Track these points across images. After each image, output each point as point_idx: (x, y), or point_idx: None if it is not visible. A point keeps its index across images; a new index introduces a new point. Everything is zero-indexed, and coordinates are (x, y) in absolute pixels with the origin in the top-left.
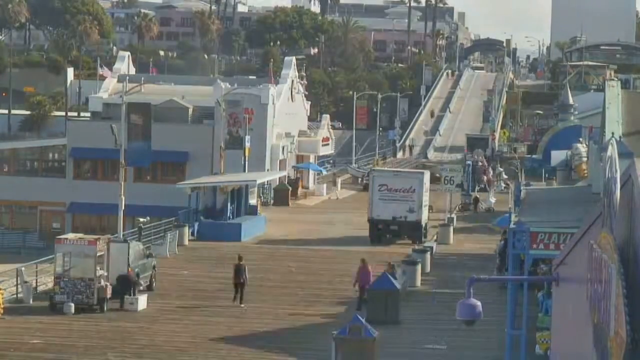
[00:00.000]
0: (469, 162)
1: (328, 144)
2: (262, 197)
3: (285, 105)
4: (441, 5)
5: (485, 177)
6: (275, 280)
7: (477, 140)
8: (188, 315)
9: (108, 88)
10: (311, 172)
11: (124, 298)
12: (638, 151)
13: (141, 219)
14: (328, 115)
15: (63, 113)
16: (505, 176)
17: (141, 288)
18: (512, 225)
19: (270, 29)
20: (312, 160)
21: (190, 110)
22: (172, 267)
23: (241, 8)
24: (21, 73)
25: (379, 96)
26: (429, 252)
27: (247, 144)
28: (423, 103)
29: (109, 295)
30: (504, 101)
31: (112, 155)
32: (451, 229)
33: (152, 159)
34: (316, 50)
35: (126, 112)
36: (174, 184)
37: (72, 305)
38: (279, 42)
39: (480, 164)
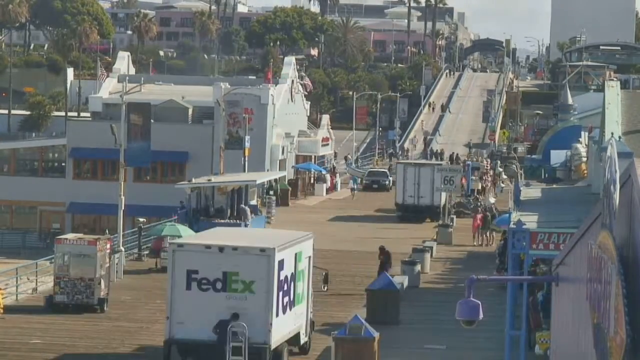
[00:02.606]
0: (468, 162)
1: (328, 144)
2: (265, 197)
3: (285, 106)
4: (441, 5)
5: (485, 177)
6: None
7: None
8: None
9: (108, 88)
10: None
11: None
12: (638, 151)
13: (140, 219)
14: (328, 116)
15: (63, 113)
16: (505, 176)
17: None
18: (512, 225)
19: (270, 29)
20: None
21: (190, 110)
22: None
23: (241, 8)
24: (21, 73)
25: (379, 96)
26: (428, 252)
27: (247, 144)
28: (423, 103)
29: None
30: (504, 101)
31: (112, 155)
32: (451, 230)
33: (152, 159)
34: (316, 50)
35: (126, 112)
36: (173, 184)
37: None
38: (278, 43)
39: (482, 162)
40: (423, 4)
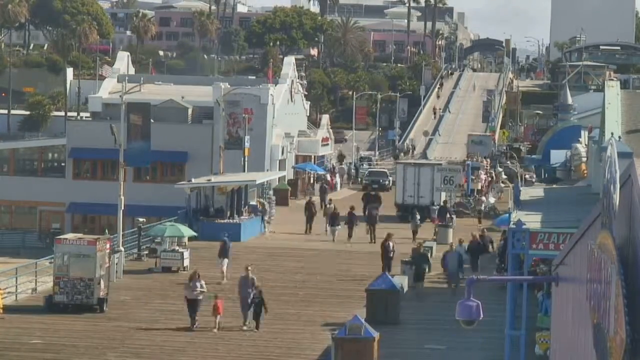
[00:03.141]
0: (468, 162)
1: (328, 144)
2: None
3: (285, 106)
4: (440, 5)
5: (484, 177)
6: (275, 280)
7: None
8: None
9: (107, 88)
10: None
11: None
12: (638, 151)
13: (140, 219)
14: (327, 116)
15: (63, 113)
16: (504, 176)
17: None
18: (511, 225)
19: (269, 29)
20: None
21: (190, 110)
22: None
23: (241, 8)
24: (21, 73)
25: (379, 96)
26: (428, 252)
27: (247, 144)
28: (422, 103)
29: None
30: (504, 101)
31: (111, 155)
32: (450, 230)
33: (151, 159)
34: (316, 50)
35: (126, 112)
36: (173, 184)
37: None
38: (278, 43)
39: (482, 163)
40: (423, 4)
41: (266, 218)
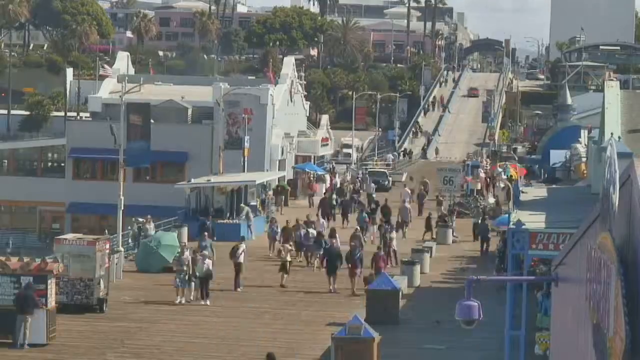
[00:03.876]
0: (469, 162)
1: (327, 144)
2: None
3: (285, 106)
4: (440, 5)
5: (484, 177)
6: (275, 280)
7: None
8: (188, 315)
9: (107, 88)
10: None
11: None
12: (638, 151)
13: (140, 219)
14: (327, 116)
15: (62, 113)
16: (504, 176)
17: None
18: (511, 226)
19: (269, 29)
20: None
21: (190, 111)
22: None
23: (240, 8)
24: (20, 73)
25: (379, 96)
26: (428, 253)
27: (247, 144)
28: (422, 104)
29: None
30: (504, 101)
31: (111, 155)
32: (450, 230)
33: (151, 159)
34: (315, 50)
35: (125, 112)
36: (173, 184)
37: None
38: (278, 43)
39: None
40: (422, 4)
41: (250, 224)
